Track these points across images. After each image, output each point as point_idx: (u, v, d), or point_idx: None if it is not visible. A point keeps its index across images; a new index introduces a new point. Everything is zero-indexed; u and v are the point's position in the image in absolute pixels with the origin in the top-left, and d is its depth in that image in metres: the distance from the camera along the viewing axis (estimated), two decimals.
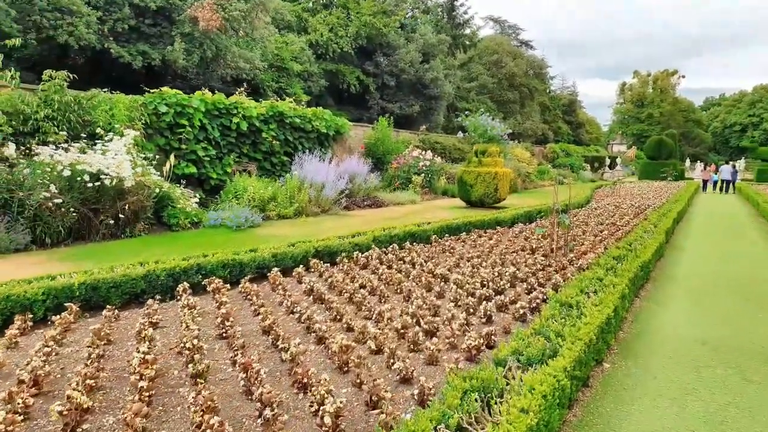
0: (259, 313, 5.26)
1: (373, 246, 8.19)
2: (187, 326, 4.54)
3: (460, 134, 28.68)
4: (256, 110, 13.45)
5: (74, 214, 8.37)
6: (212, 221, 10.56)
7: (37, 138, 9.28)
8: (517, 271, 7.09)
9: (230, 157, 13.06)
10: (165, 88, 11.84)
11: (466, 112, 27.72)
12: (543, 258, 8.29)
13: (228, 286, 6.11)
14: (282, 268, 6.94)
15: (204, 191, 12.45)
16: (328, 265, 7.33)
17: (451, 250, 8.67)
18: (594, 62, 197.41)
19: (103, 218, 8.80)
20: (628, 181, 36.79)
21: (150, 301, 5.25)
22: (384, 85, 34.27)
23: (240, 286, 6.15)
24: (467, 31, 53.25)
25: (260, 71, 22.68)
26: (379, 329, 4.79)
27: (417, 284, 6.48)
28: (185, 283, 5.86)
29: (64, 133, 9.50)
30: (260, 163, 14.12)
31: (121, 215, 8.95)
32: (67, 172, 8.19)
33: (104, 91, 10.55)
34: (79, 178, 8.38)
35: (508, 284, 6.63)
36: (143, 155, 10.77)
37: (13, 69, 8.88)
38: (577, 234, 10.36)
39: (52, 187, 8.07)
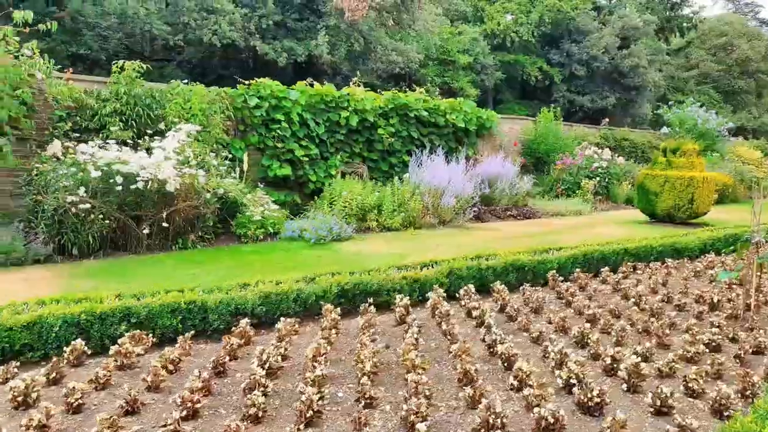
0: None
1: (435, 287, 5.57)
2: None
3: (665, 129, 23.47)
4: (370, 102, 11.47)
5: (106, 221, 7.21)
6: (289, 232, 8.82)
7: (101, 135, 8.43)
8: (661, 355, 3.96)
9: (336, 157, 11.28)
10: (263, 79, 10.47)
11: (669, 104, 22.56)
12: (727, 321, 4.95)
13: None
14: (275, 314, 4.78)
15: (303, 196, 10.83)
16: (339, 317, 4.92)
17: (564, 303, 5.67)
18: None
19: (144, 227, 7.54)
20: None
21: None
22: (572, 75, 30.12)
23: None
24: (685, 11, 45.28)
25: (416, 64, 20.77)
26: None
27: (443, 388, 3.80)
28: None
29: (129, 131, 8.53)
30: (377, 164, 12.13)
31: (164, 224, 7.62)
32: (94, 173, 7.03)
33: (184, 83, 9.46)
34: (111, 180, 7.20)
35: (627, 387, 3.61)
36: (225, 154, 9.47)
37: (46, 56, 8.07)
38: None
39: (81, 190, 6.98)
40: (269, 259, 7.61)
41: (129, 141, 8.49)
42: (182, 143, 7.98)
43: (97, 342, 4.13)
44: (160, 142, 7.93)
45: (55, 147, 7.57)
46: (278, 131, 10.26)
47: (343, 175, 11.24)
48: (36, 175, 7.42)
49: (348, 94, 11.41)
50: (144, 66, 8.99)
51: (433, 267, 6.12)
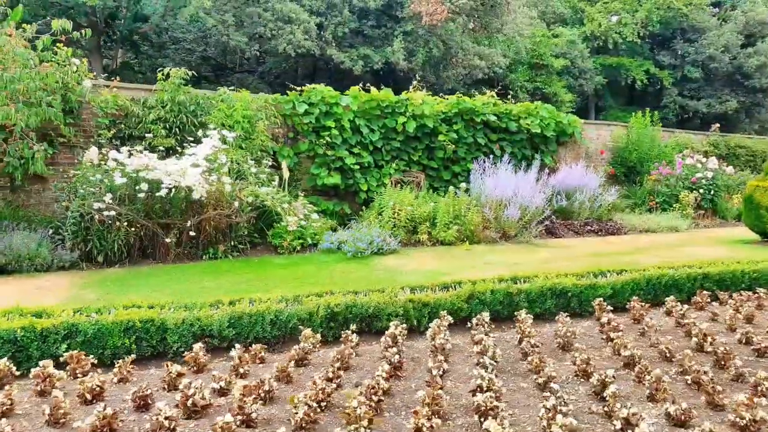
0: None
1: (443, 314, 4.73)
2: None
3: None
4: (429, 107, 10.72)
5: (132, 229, 7.07)
6: (327, 244, 8.30)
7: (145, 142, 8.42)
8: None
9: (392, 165, 10.63)
10: (317, 85, 10.10)
11: None
12: None
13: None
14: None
15: (354, 205, 10.28)
16: (320, 343, 4.24)
17: (605, 339, 4.62)
18: None
19: (171, 235, 7.34)
20: None
21: None
22: (684, 77, 27.43)
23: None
24: None
25: (501, 68, 19.65)
26: None
27: None
28: None
29: (173, 138, 8.46)
30: (438, 173, 11.32)
31: (192, 232, 7.37)
32: (119, 180, 6.93)
33: (231, 90, 9.29)
34: (137, 187, 7.07)
35: None
36: (268, 162, 9.15)
37: (80, 53, 8.14)
38: None
39: (107, 197, 6.90)
40: (296, 272, 7.11)
41: (175, 148, 8.42)
42: (215, 150, 7.72)
43: (35, 363, 3.77)
44: (182, 149, 7.74)
45: (92, 154, 7.60)
46: (328, 138, 9.81)
47: (400, 183, 10.57)
48: (72, 181, 7.48)
49: (406, 99, 10.75)
50: (189, 73, 8.92)
51: (455, 288, 5.29)
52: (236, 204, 7.75)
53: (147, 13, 14.70)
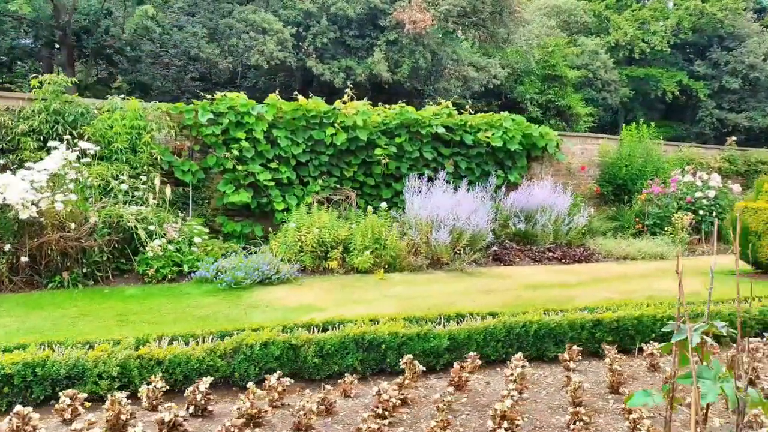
0: None
1: (154, 378, 3.49)
2: None
3: None
4: (364, 118, 9.50)
5: None
6: (203, 272, 7.17)
7: (14, 155, 7.61)
8: None
9: (318, 182, 9.44)
10: (229, 93, 9.10)
11: None
12: None
13: None
14: None
15: (270, 227, 9.10)
16: None
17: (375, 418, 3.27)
18: None
19: (3, 262, 6.41)
20: None
21: None
22: (722, 89, 25.06)
23: None
24: None
25: (500, 80, 18.18)
26: None
27: None
28: None
29: (44, 152, 7.60)
30: (377, 190, 10.04)
31: (24, 258, 6.42)
32: None
33: (122, 98, 8.39)
34: None
35: None
36: (152, 177, 8.13)
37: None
38: None
39: None
40: (140, 307, 6.02)
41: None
42: (65, 162, 6.77)
43: None
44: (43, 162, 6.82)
45: None
46: (235, 151, 8.74)
47: (328, 202, 9.36)
48: None
49: (336, 108, 9.58)
50: (71, 80, 8.09)
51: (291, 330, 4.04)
52: (87, 226, 6.75)
53: (102, 25, 14.23)
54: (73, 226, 6.64)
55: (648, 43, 24.49)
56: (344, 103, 9.78)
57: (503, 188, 10.56)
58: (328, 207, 9.10)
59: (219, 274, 7.12)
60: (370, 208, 8.49)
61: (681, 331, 2.49)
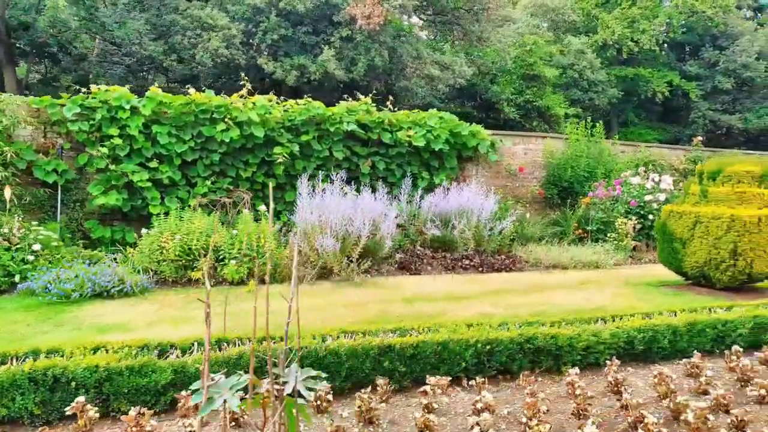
0: None
1: None
2: None
3: None
4: (261, 113, 8.61)
5: None
6: (29, 283, 6.32)
7: None
8: None
9: (206, 184, 8.55)
10: (104, 86, 8.26)
11: None
12: None
13: None
14: None
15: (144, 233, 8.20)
16: None
17: None
18: None
19: None
20: None
21: None
22: (715, 89, 23.77)
23: None
24: None
25: (464, 80, 17.18)
26: None
27: None
28: None
29: None
30: (281, 193, 9.14)
31: None
32: None
33: (8, 95, 7.61)
34: None
35: None
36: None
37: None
38: None
39: None
40: None
41: None
42: None
43: None
44: None
45: None
46: (105, 150, 7.90)
47: (222, 206, 8.46)
48: None
49: (232, 102, 8.71)
50: None
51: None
52: None
53: (40, 21, 13.57)
54: None
55: (637, 43, 23.29)
56: (243, 97, 8.91)
57: (431, 191, 9.57)
58: (221, 210, 8.20)
59: (50, 286, 6.26)
60: (246, 212, 7.55)
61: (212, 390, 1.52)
